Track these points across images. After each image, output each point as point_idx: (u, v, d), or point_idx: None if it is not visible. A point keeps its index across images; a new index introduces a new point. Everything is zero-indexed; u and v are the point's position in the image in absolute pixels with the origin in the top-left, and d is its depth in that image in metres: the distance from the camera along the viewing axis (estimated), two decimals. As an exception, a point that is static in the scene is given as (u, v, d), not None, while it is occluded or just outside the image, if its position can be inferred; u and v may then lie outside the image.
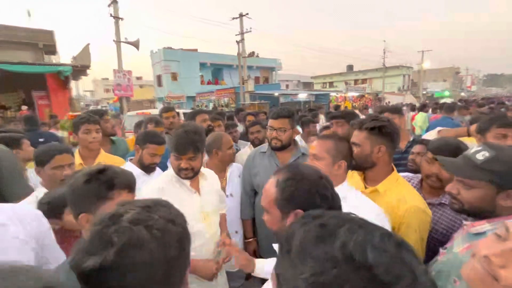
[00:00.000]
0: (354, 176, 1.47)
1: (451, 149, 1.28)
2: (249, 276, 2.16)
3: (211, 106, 17.68)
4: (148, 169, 1.95)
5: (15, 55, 8.39)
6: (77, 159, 2.03)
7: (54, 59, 12.16)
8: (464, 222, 1.07)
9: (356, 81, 35.03)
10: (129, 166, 1.91)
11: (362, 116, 7.19)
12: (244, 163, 2.17)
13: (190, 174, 1.47)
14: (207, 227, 1.52)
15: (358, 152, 1.31)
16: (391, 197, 1.25)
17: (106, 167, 0.94)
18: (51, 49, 11.43)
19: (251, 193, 2.10)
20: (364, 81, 33.88)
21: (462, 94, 36.94)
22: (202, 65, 24.14)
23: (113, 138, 2.69)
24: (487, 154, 0.94)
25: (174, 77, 22.94)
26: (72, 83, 10.62)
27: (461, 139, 3.21)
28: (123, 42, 10.49)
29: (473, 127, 1.99)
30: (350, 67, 39.21)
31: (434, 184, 1.38)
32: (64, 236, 1.19)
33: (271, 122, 1.91)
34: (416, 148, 1.84)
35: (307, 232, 0.43)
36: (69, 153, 1.56)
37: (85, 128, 2.05)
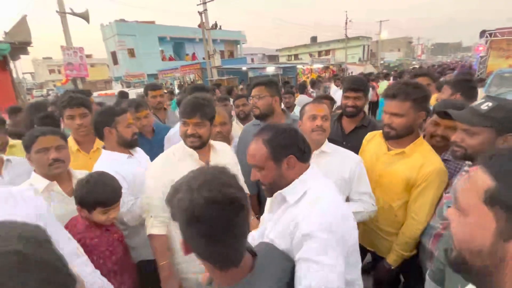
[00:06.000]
0: (376, 138, 1.56)
1: (456, 107, 1.35)
2: None
3: (175, 84, 16.73)
4: (133, 143, 1.68)
5: None
6: (73, 145, 1.83)
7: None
8: (466, 168, 1.23)
9: (320, 53, 35.49)
10: (110, 155, 1.61)
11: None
12: (241, 137, 2.15)
13: (197, 143, 1.40)
14: None
15: (403, 122, 1.34)
16: (417, 159, 1.36)
17: (237, 197, 0.68)
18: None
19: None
20: (327, 52, 34.44)
21: (414, 62, 39.66)
22: (162, 39, 22.36)
23: None
24: (490, 104, 1.07)
25: (132, 53, 21.01)
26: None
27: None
28: (69, 13, 9.16)
29: None
30: (313, 39, 39.39)
31: (438, 143, 1.49)
32: (91, 226, 1.34)
33: (252, 92, 1.96)
34: None
35: None
36: (55, 135, 1.37)
37: (67, 113, 1.82)
